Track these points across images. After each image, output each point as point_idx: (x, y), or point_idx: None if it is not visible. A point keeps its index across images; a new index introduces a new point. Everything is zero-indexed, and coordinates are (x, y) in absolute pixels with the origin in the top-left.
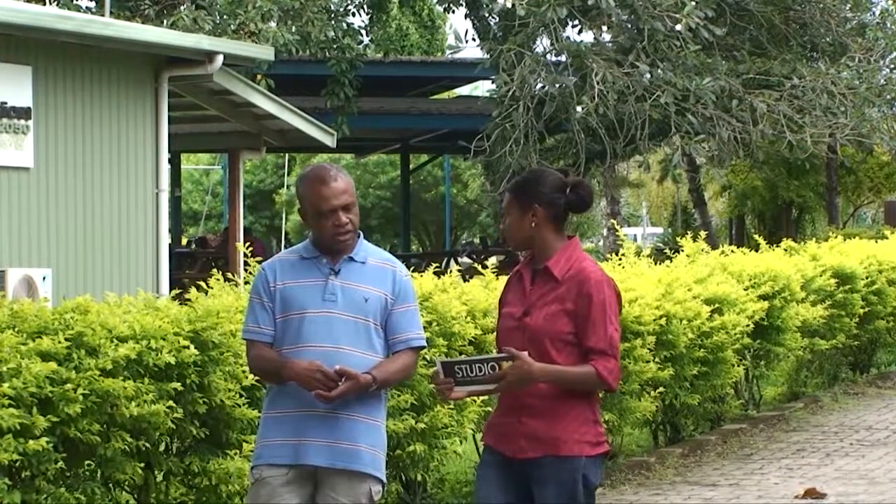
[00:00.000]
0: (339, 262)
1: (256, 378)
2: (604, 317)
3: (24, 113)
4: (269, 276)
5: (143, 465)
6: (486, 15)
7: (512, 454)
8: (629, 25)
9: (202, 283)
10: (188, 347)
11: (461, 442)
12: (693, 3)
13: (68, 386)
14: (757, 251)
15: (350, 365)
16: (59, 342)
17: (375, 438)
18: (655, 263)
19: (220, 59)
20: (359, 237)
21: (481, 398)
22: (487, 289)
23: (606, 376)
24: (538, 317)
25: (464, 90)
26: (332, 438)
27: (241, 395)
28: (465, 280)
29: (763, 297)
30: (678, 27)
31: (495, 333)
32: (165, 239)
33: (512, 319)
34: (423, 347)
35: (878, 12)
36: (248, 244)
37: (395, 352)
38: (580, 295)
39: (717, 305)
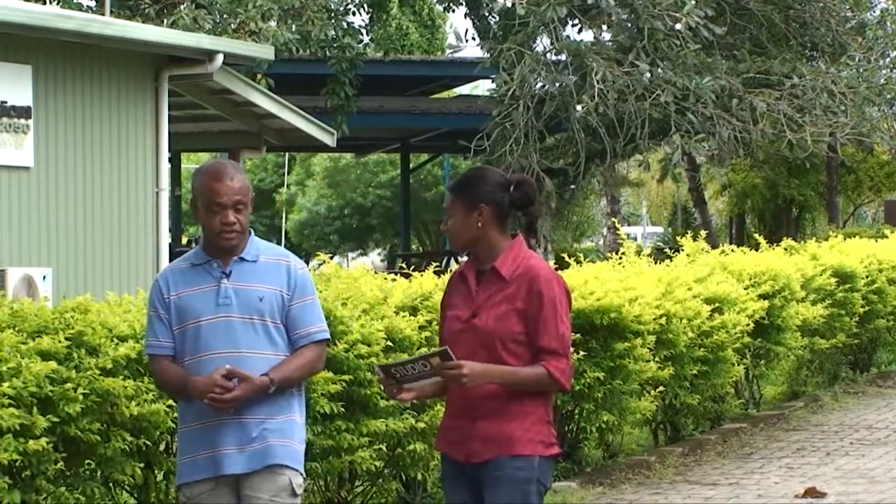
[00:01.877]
0: (229, 264)
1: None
2: (555, 315)
3: (24, 112)
4: (163, 287)
5: (143, 464)
6: (486, 14)
7: (465, 459)
8: (629, 24)
9: None
10: None
11: None
12: (693, 2)
13: (68, 385)
14: (757, 250)
15: (254, 367)
16: (60, 341)
17: (287, 433)
18: (655, 263)
19: (220, 58)
20: (250, 235)
21: None
22: None
23: (559, 377)
24: (488, 318)
25: (464, 89)
26: (245, 444)
27: None
28: None
29: (763, 297)
30: (678, 26)
31: (439, 337)
32: (165, 238)
33: (459, 322)
34: (326, 340)
35: (878, 12)
36: None
37: (297, 347)
38: (530, 293)
39: (717, 305)
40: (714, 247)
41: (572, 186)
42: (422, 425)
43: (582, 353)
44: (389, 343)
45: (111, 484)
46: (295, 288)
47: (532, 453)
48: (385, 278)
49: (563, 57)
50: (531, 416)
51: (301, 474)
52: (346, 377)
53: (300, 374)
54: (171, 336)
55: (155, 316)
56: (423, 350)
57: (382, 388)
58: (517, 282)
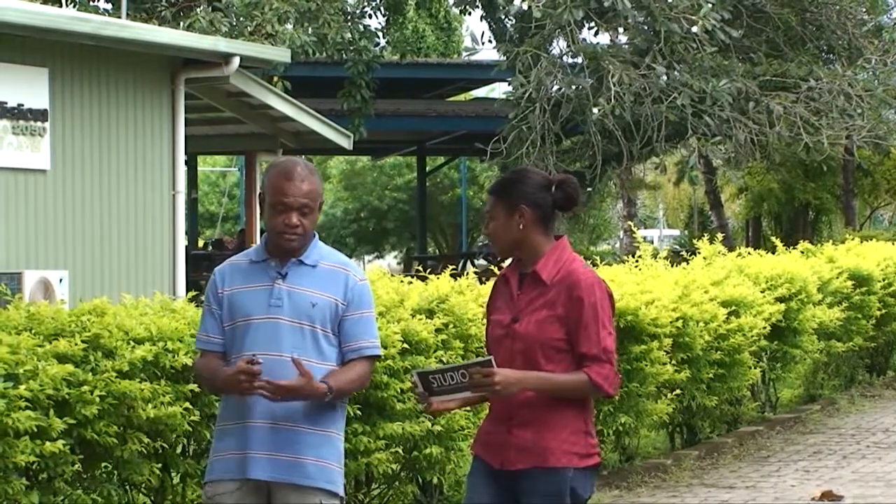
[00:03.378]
0: (286, 266)
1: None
2: (596, 321)
3: (40, 115)
4: (219, 281)
5: (159, 466)
6: (503, 17)
7: (500, 465)
8: (645, 27)
9: None
10: None
11: None
12: (709, 5)
13: (85, 388)
14: (773, 253)
15: (293, 373)
16: (76, 344)
17: (324, 450)
18: (672, 265)
19: (236, 61)
20: (313, 238)
21: None
22: None
23: (601, 382)
24: (528, 323)
25: (480, 92)
26: (275, 451)
27: None
28: (481, 282)
29: (779, 300)
30: (694, 29)
31: (485, 341)
32: (182, 241)
33: (500, 327)
34: (377, 357)
35: (894, 14)
36: None
37: (348, 360)
38: (571, 299)
39: (733, 308)
40: (730, 249)
41: (589, 189)
42: (438, 428)
43: None
44: (406, 346)
45: (127, 486)
46: (351, 299)
47: (567, 465)
48: (401, 281)
49: (579, 60)
50: (569, 427)
51: (336, 494)
52: None
53: (353, 387)
54: (220, 332)
55: (207, 310)
56: (440, 353)
57: (416, 397)
58: (557, 287)
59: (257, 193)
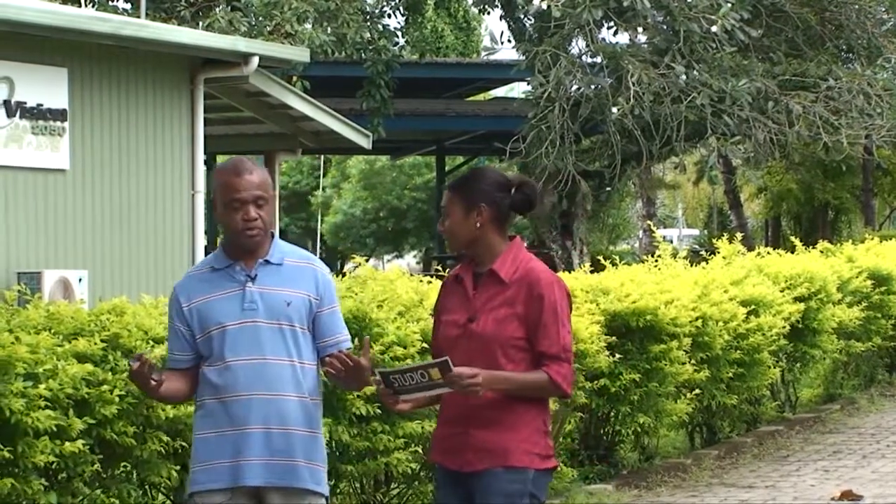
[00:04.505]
0: (254, 267)
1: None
2: (556, 320)
3: (59, 115)
4: (181, 296)
5: (178, 466)
6: (522, 16)
7: (458, 468)
8: (665, 27)
9: None
10: None
11: None
12: (729, 5)
13: (104, 387)
14: (793, 253)
15: (279, 375)
16: (96, 343)
17: (313, 451)
18: (691, 265)
19: (255, 60)
20: (272, 237)
21: None
22: None
23: (560, 382)
24: (486, 322)
25: (499, 92)
26: (268, 455)
27: None
28: None
29: (799, 299)
30: (714, 29)
31: (433, 342)
32: (201, 240)
33: (456, 327)
34: (350, 349)
35: None
36: None
37: (325, 356)
38: (531, 297)
39: (753, 307)
40: (750, 249)
41: (608, 189)
42: None
43: (618, 355)
44: (425, 345)
45: (147, 486)
46: (323, 294)
47: (527, 466)
48: (420, 281)
49: (598, 59)
50: (528, 426)
51: (322, 494)
52: None
53: None
54: (188, 349)
55: (171, 327)
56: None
57: (378, 395)
58: (517, 285)
59: (210, 199)
